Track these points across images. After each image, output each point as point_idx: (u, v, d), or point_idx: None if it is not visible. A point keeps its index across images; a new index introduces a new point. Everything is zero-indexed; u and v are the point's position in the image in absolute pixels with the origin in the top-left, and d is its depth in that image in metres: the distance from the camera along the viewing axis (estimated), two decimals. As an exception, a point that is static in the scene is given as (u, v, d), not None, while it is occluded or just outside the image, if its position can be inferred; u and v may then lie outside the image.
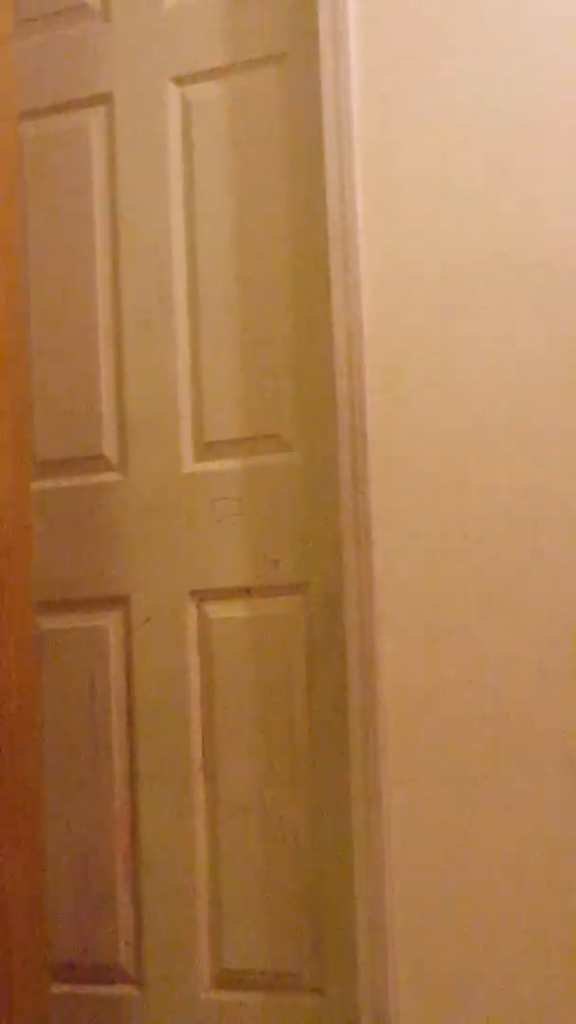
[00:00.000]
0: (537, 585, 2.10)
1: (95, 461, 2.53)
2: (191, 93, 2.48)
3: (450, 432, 2.16)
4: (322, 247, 2.31)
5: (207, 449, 2.44)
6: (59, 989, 2.46)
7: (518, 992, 2.08)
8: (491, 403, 2.14)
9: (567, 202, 2.10)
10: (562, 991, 2.06)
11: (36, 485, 2.53)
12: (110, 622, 2.50)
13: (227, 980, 2.38)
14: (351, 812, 2.19)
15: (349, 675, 2.20)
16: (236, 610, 2.40)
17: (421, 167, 2.19)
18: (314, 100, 2.32)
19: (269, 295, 2.40)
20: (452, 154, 2.17)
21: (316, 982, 2.32)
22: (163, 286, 2.49)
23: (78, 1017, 2.47)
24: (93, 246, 2.55)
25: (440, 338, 2.17)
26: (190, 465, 2.45)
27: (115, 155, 2.54)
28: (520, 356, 2.12)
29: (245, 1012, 2.35)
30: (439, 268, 2.17)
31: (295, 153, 2.39)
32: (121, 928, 2.47)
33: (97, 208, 2.55)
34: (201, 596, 2.43)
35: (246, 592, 2.40)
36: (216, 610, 2.42)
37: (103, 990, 2.47)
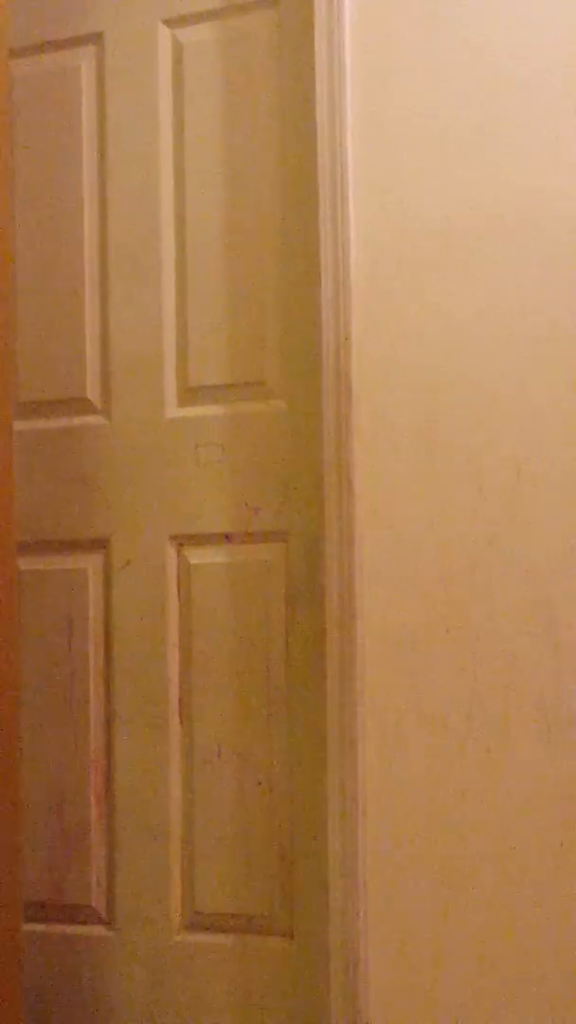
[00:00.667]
0: (519, 540, 2.11)
1: (78, 403, 2.52)
2: (183, 35, 2.46)
3: (436, 384, 2.16)
4: (312, 193, 2.29)
5: (191, 394, 2.44)
6: (30, 928, 2.47)
7: (490, 939, 2.10)
8: (479, 356, 2.13)
9: (562, 158, 2.10)
10: (533, 938, 2.08)
11: (18, 426, 2.52)
12: (90, 564, 2.49)
13: (198, 922, 2.40)
14: (326, 758, 2.20)
15: (328, 623, 2.20)
16: (216, 555, 2.40)
17: (415, 116, 2.18)
18: (307, 45, 2.31)
19: (257, 241, 2.39)
20: (446, 103, 2.16)
21: (286, 926, 2.34)
22: (150, 229, 2.47)
23: (48, 957, 2.49)
24: (81, 187, 2.53)
25: (429, 289, 2.17)
26: (174, 410, 2.45)
27: (105, 96, 2.52)
28: (510, 310, 2.12)
29: (215, 954, 2.37)
30: (430, 219, 2.16)
31: (286, 98, 2.37)
32: (94, 869, 2.48)
33: (86, 149, 2.53)
34: (181, 541, 2.43)
35: (226, 538, 2.40)
36: (196, 555, 2.42)
37: (74, 930, 2.49)
